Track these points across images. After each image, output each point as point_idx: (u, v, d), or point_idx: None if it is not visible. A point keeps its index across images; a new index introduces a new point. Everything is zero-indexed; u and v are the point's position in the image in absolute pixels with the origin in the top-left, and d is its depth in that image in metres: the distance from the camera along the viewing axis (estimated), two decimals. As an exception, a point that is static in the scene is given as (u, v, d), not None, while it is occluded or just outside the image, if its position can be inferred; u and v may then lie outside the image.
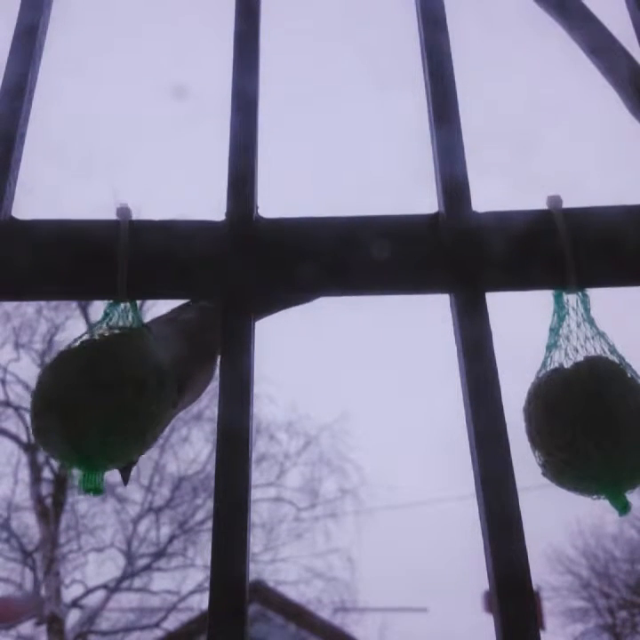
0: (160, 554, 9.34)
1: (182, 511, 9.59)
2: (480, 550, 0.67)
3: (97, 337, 0.77)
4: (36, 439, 0.75)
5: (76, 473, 0.73)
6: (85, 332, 0.78)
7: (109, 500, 9.25)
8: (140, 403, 0.73)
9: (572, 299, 0.80)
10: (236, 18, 0.95)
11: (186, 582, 9.27)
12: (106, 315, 0.78)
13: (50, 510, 8.83)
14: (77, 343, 0.77)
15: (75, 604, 8.93)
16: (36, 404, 0.74)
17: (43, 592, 8.56)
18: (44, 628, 8.29)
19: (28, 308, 9.14)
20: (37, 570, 8.85)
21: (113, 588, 9.02)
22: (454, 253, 0.80)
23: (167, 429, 0.78)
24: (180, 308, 0.90)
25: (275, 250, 0.81)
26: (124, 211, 0.81)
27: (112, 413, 0.71)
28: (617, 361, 0.77)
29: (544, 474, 0.76)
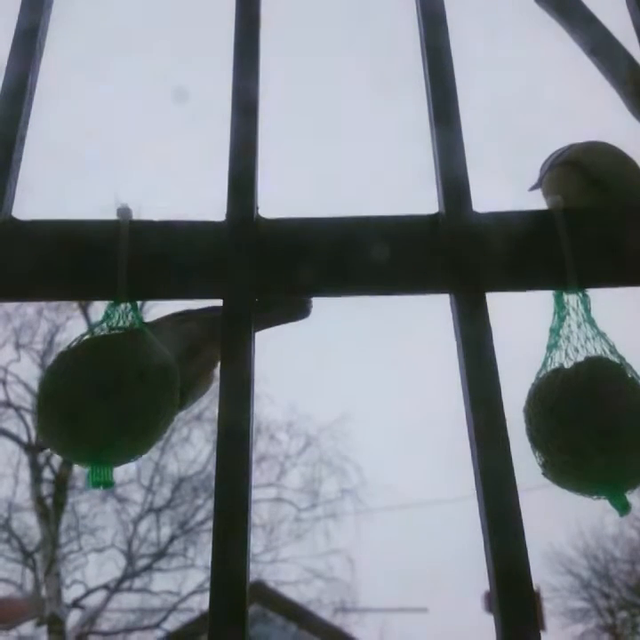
0: (160, 554, 9.33)
1: (183, 511, 9.58)
2: (480, 550, 0.67)
3: (99, 336, 0.77)
4: (41, 438, 0.75)
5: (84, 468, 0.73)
6: (86, 332, 0.78)
7: (110, 500, 9.26)
8: (144, 401, 0.73)
9: (572, 299, 0.80)
10: (236, 19, 0.96)
11: (186, 583, 9.27)
12: (106, 315, 0.78)
13: (50, 511, 8.82)
14: (80, 342, 0.77)
15: (75, 604, 8.92)
16: (41, 404, 0.74)
17: (43, 593, 8.55)
18: (44, 628, 8.28)
19: (29, 308, 9.14)
20: (38, 570, 8.84)
21: (113, 589, 9.01)
22: (454, 254, 0.80)
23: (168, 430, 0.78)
24: (176, 315, 0.90)
25: (275, 250, 0.81)
26: (124, 211, 0.81)
27: (117, 412, 0.72)
28: (617, 361, 0.77)
29: (544, 474, 0.76)
